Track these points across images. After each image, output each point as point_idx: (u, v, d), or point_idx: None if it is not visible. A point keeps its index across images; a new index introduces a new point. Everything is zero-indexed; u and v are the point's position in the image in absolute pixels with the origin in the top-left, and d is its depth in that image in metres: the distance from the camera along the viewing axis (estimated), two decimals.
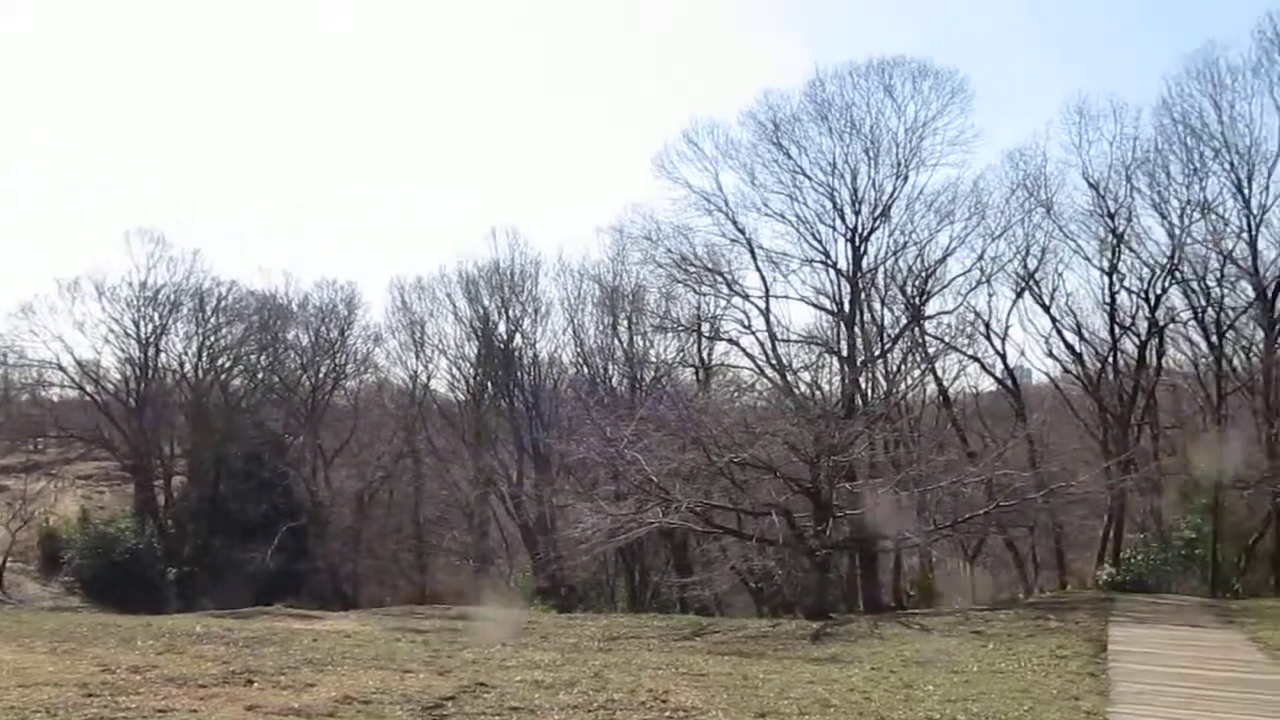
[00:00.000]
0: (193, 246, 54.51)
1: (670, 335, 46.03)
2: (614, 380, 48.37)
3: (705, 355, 46.03)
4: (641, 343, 47.37)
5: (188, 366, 53.82)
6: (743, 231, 40.40)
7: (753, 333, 41.02)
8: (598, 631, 24.10)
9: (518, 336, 50.90)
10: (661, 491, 27.40)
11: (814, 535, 27.89)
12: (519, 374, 50.53)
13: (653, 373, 46.94)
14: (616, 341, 47.88)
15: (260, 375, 55.94)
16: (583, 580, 42.53)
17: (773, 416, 33.11)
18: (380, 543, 50.56)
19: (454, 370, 53.48)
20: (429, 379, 54.42)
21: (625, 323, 47.40)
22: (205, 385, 54.05)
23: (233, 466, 51.05)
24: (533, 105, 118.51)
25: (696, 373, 46.29)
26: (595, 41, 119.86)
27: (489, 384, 51.95)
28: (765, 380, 41.39)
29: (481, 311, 50.99)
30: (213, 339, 53.91)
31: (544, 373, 51.18)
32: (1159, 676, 15.02)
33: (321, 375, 54.98)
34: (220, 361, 54.64)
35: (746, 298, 40.83)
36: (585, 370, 49.44)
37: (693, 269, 41.32)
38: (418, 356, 53.61)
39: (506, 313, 50.73)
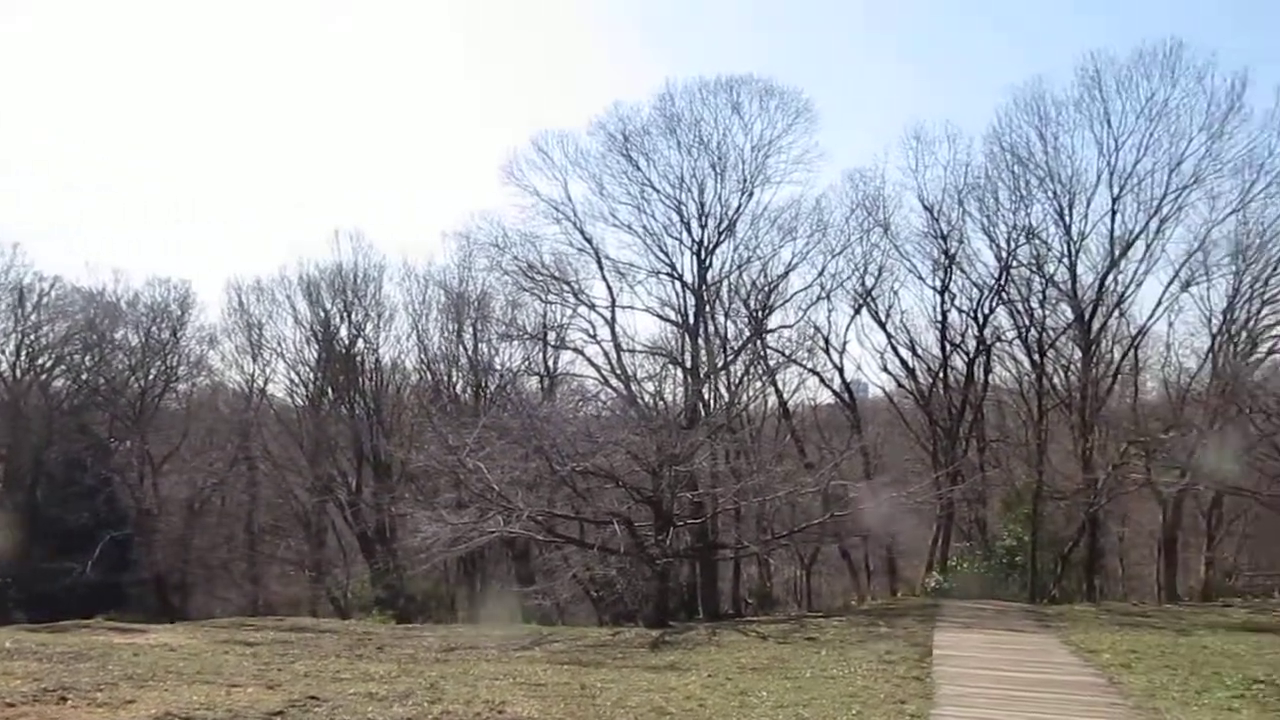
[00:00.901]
0: (11, 240, 51.65)
1: (516, 343, 45.88)
2: (458, 387, 47.92)
3: (551, 364, 46.03)
4: (487, 350, 47.09)
5: (4, 366, 50.81)
6: (590, 241, 40.59)
7: (598, 342, 41.21)
8: (436, 642, 23.76)
9: (360, 341, 49.83)
10: (503, 500, 27.20)
11: (655, 544, 28.12)
12: (360, 379, 49.40)
13: (497, 380, 46.64)
14: (461, 348, 47.43)
15: (85, 376, 53.15)
16: (422, 590, 41.87)
17: (616, 426, 33.20)
18: (211, 552, 48.65)
19: (293, 375, 51.99)
20: (266, 383, 52.80)
21: (470, 329, 46.99)
22: (24, 386, 51.09)
23: (52, 472, 48.46)
24: (380, 107, 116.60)
25: (541, 381, 46.17)
26: (444, 46, 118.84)
27: (329, 389, 50.64)
28: (610, 390, 41.50)
29: (322, 315, 49.70)
30: (33, 337, 51.05)
31: (386, 378, 50.24)
32: (979, 679, 15.64)
33: (151, 377, 52.68)
34: (41, 361, 51.76)
35: (593, 307, 41.02)
36: (429, 376, 48.77)
37: (540, 277, 41.26)
38: (255, 360, 51.96)
39: (348, 317, 49.60)
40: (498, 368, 46.76)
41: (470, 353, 46.97)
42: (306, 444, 48.56)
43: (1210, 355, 39.32)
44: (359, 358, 49.57)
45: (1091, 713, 13.22)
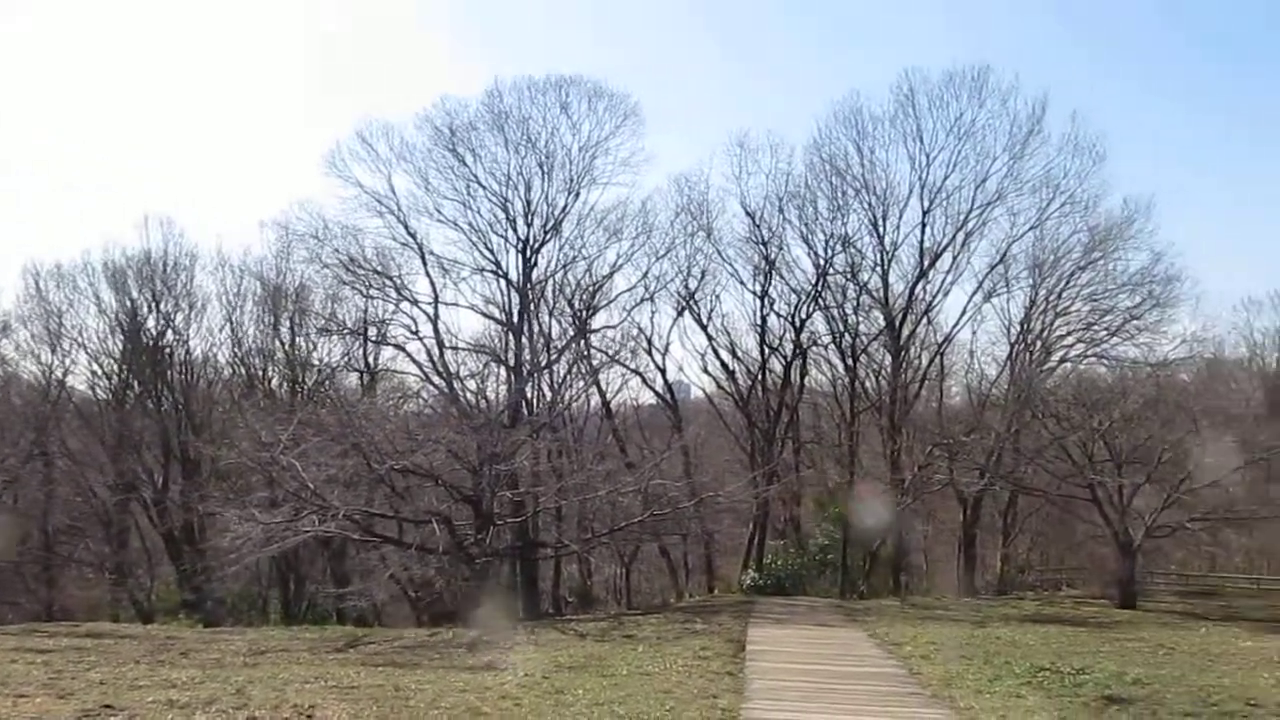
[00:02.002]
0: None
1: (335, 338, 44.67)
2: (273, 382, 46.34)
3: (371, 360, 45.08)
4: (305, 344, 45.68)
5: None
6: (414, 236, 40.04)
7: (420, 339, 40.64)
8: (244, 645, 22.93)
9: (169, 333, 47.55)
10: (319, 499, 26.48)
11: (475, 543, 27.88)
12: (169, 373, 47.17)
13: (315, 376, 45.37)
14: (277, 342, 45.88)
15: None
16: (233, 592, 40.37)
17: (437, 424, 32.83)
18: (1, 554, 45.62)
19: (95, 366, 49.18)
20: (66, 375, 49.80)
21: (288, 323, 45.54)
22: None
23: None
24: (195, 89, 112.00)
25: (361, 377, 45.18)
26: (266, 28, 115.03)
27: (135, 383, 48.15)
28: (431, 387, 41.06)
29: (129, 304, 47.19)
30: None
31: (197, 372, 48.11)
32: (790, 673, 16.11)
33: None
34: None
35: (415, 303, 40.44)
36: (243, 371, 47.01)
37: (361, 271, 40.41)
38: (54, 350, 48.88)
39: (157, 307, 47.23)
40: (316, 363, 45.50)
41: (287, 347, 45.55)
42: (109, 439, 46.08)
43: (1009, 363, 41.71)
44: (168, 350, 47.30)
45: (892, 702, 13.78)
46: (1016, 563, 46.12)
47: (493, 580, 31.15)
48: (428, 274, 40.13)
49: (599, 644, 21.30)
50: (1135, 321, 40.54)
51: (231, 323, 46.53)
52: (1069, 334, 41.71)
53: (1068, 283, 40.56)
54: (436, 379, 40.29)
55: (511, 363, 39.80)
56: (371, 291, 41.11)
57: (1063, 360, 42.12)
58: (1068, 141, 40.46)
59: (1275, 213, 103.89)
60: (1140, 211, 40.50)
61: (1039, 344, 41.36)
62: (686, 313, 43.54)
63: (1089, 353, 41.86)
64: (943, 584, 44.98)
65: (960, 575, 41.44)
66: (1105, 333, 41.06)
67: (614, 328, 43.73)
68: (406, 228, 39.83)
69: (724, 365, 44.30)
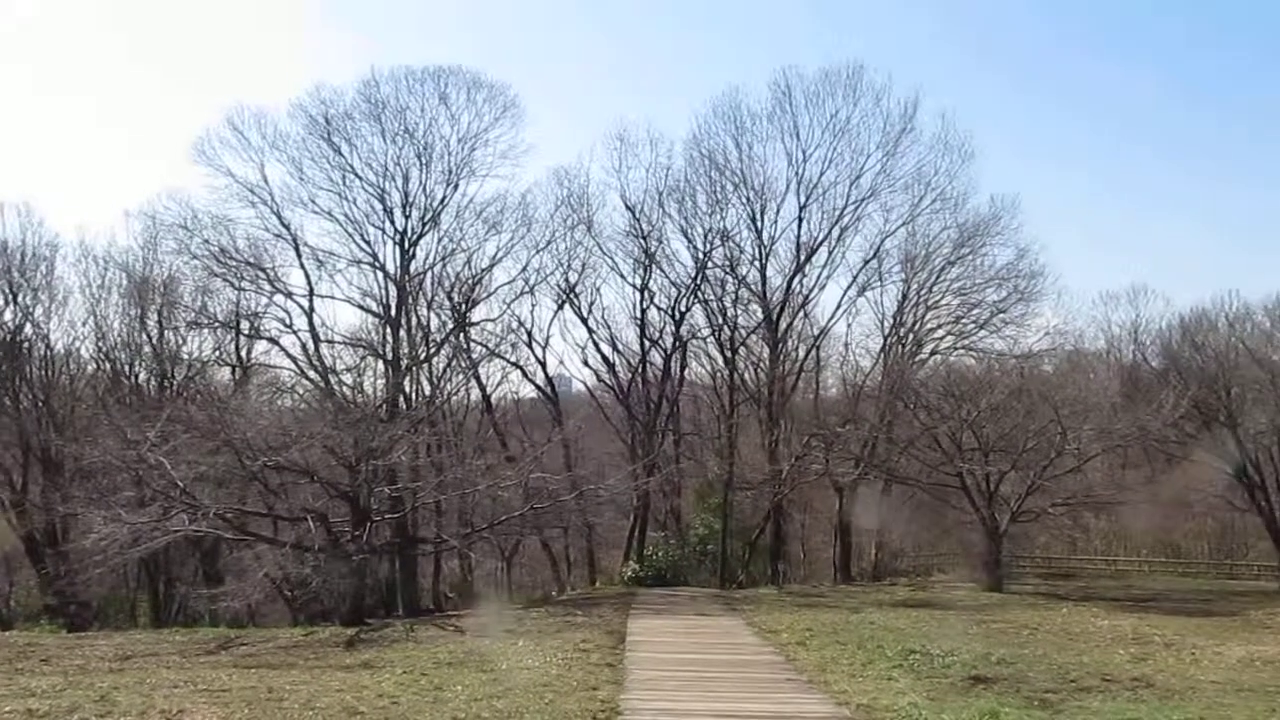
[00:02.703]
0: None
1: (206, 331, 43.27)
2: (140, 377, 44.67)
3: (244, 354, 43.82)
4: (174, 338, 44.05)
5: None
6: (288, 227, 39.08)
7: (295, 332, 39.68)
8: (110, 650, 22.16)
9: (28, 326, 45.47)
10: (188, 497, 25.73)
11: (351, 540, 27.41)
12: (28, 369, 45.15)
13: (185, 371, 43.92)
14: (145, 336, 44.14)
15: None
16: (99, 596, 38.92)
17: (312, 419, 32.15)
18: None
19: None
20: None
21: (155, 316, 43.88)
22: None
23: None
24: (50, 72, 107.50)
25: (233, 372, 43.92)
26: (128, 11, 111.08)
27: None
28: (306, 382, 40.13)
29: None
30: None
31: (58, 368, 46.12)
32: (668, 662, 16.30)
33: None
34: None
35: (290, 296, 39.48)
36: (107, 366, 45.23)
37: (233, 263, 39.21)
38: None
39: (15, 299, 45.07)
40: (185, 357, 44.00)
41: (154, 341, 43.91)
42: None
43: (882, 355, 42.78)
44: (26, 344, 45.26)
45: (768, 688, 14.05)
46: (890, 549, 47.29)
47: (371, 577, 30.70)
48: (302, 266, 39.27)
49: (479, 639, 21.21)
50: (1001, 315, 42.08)
51: (95, 316, 44.57)
52: (939, 327, 43.00)
53: (938, 277, 41.81)
54: (312, 373, 39.42)
55: (389, 356, 39.17)
56: (244, 284, 39.90)
57: (933, 352, 43.42)
58: (938, 140, 41.71)
59: (1133, 209, 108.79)
60: (1006, 209, 42.01)
61: (911, 337, 42.51)
62: (567, 306, 43.56)
63: (958, 345, 43.28)
64: (820, 572, 45.90)
65: (836, 563, 42.34)
66: (973, 326, 42.50)
67: (494, 321, 43.52)
68: (280, 219, 38.89)
69: (604, 358, 44.48)
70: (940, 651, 17.60)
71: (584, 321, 43.69)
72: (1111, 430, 36.56)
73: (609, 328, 44.50)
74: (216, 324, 42.04)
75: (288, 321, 39.66)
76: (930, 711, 12.23)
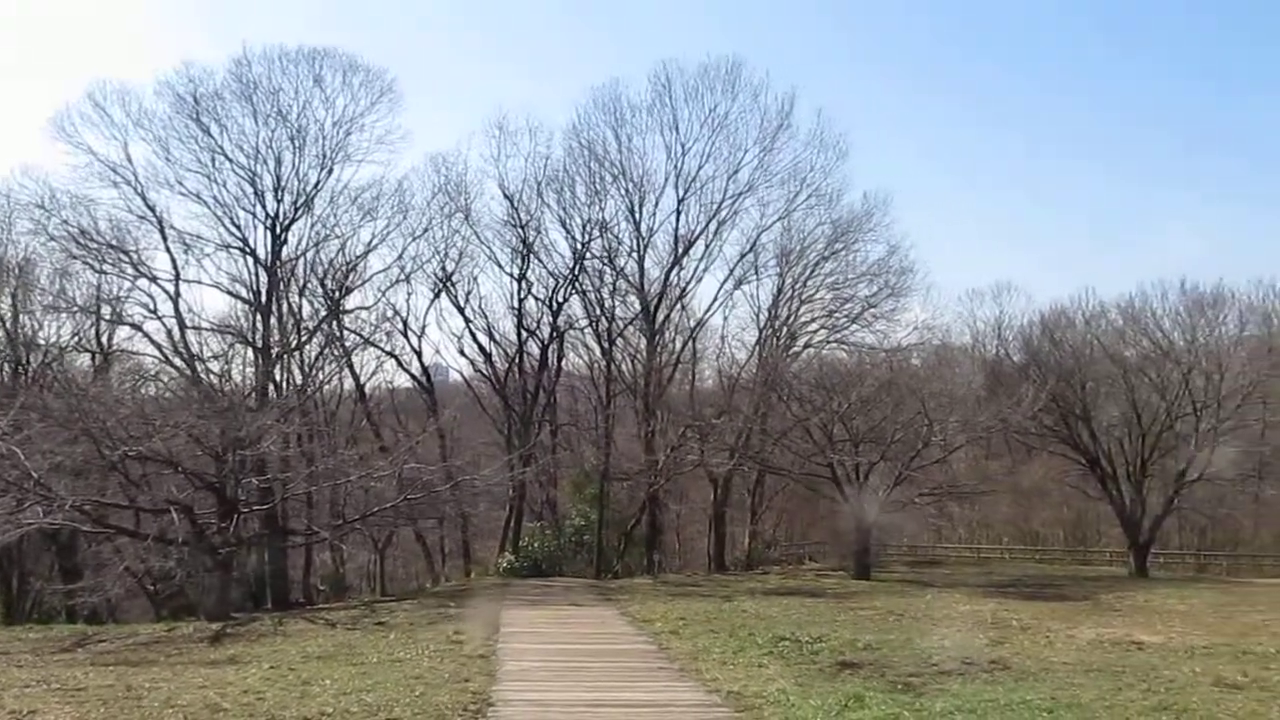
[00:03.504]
0: None
1: (64, 316, 41.46)
2: None
3: (104, 340, 42.11)
4: (29, 322, 42.15)
5: None
6: (153, 209, 37.75)
7: (160, 318, 38.33)
8: None
9: None
10: (43, 488, 24.65)
11: (217, 532, 26.69)
12: None
13: (41, 357, 42.03)
14: None
15: None
16: None
17: (177, 408, 31.16)
18: None
19: None
20: None
21: (9, 299, 41.89)
22: None
23: None
24: None
25: (93, 358, 42.18)
26: None
27: None
28: (171, 369, 38.83)
29: None
30: None
31: None
32: (542, 653, 16.30)
33: None
34: None
35: (154, 280, 38.12)
36: None
37: (94, 245, 37.64)
38: None
39: None
40: (42, 343, 42.12)
41: (8, 325, 41.93)
42: None
43: (757, 347, 43.40)
44: None
45: (641, 677, 14.17)
46: (764, 538, 48.13)
47: (238, 570, 29.95)
48: (168, 249, 37.97)
49: (350, 632, 20.90)
50: (872, 309, 43.11)
51: None
52: (813, 320, 43.84)
53: (812, 272, 42.60)
54: (177, 360, 38.15)
55: (259, 344, 38.19)
56: (105, 267, 38.32)
57: (807, 345, 44.28)
58: (814, 137, 42.46)
59: (1001, 208, 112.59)
60: (878, 206, 43.02)
61: (785, 330, 43.23)
62: (443, 294, 43.08)
63: (830, 339, 44.23)
64: (694, 561, 46.46)
65: (711, 552, 42.89)
66: (845, 320, 43.44)
67: (368, 309, 42.76)
68: (145, 200, 37.53)
69: (481, 348, 44.13)
70: (809, 638, 17.97)
71: (461, 311, 43.35)
72: (975, 422, 37.85)
73: (486, 317, 44.25)
74: (75, 308, 40.28)
75: (152, 307, 38.33)
76: (798, 697, 12.48)
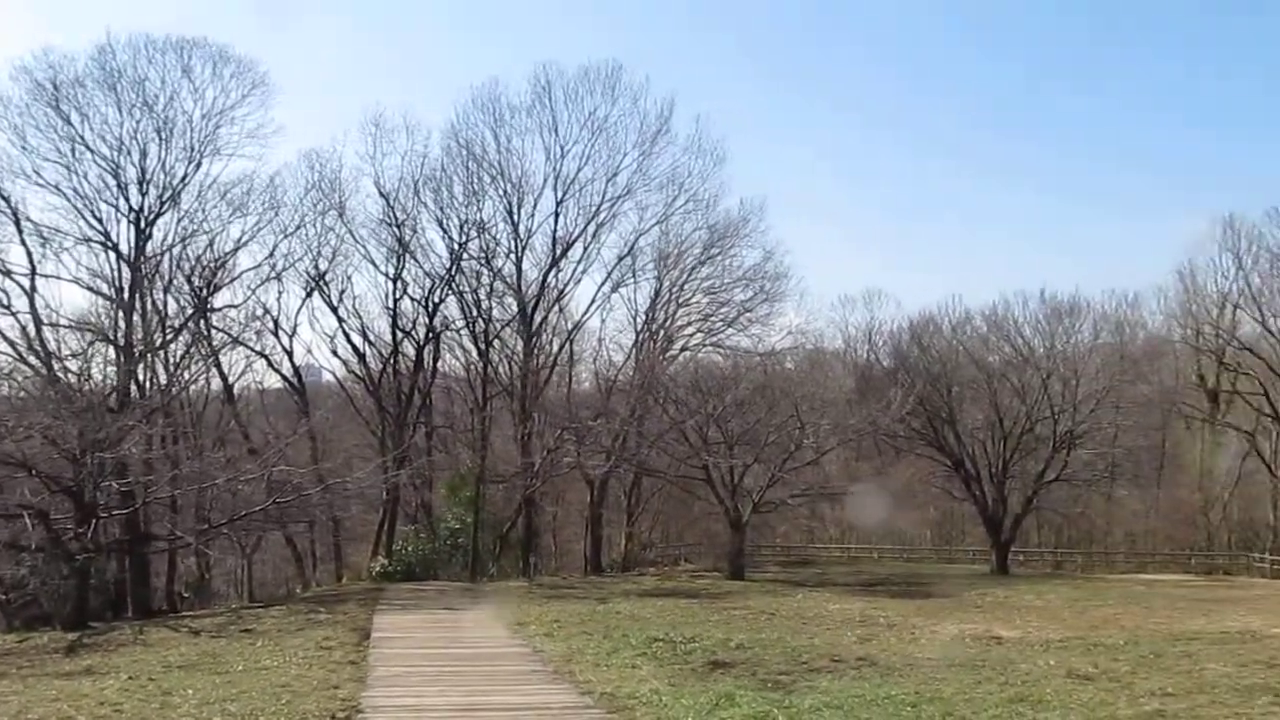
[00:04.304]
0: None
1: None
2: None
3: None
4: None
5: None
6: (7, 200, 36.00)
7: (14, 314, 36.58)
8: None
9: None
10: None
11: (74, 538, 25.66)
12: None
13: None
14: None
15: None
16: None
17: (32, 408, 29.86)
18: None
19: None
20: None
21: None
22: None
23: None
24: None
25: None
26: None
27: None
28: (26, 368, 37.11)
29: None
30: None
31: None
32: (414, 658, 16.11)
33: None
34: None
35: (8, 274, 36.32)
36: None
37: None
38: None
39: None
40: None
41: None
42: None
43: (634, 350, 43.70)
44: None
45: (514, 680, 14.13)
46: (640, 540, 48.41)
47: (96, 578, 28.83)
48: (23, 242, 36.21)
49: (214, 640, 20.31)
50: (748, 314, 43.90)
51: None
52: (689, 324, 44.40)
53: (689, 276, 43.12)
54: (33, 359, 36.46)
55: (121, 342, 36.80)
56: None
57: (683, 349, 44.79)
58: (693, 143, 43.01)
59: (875, 214, 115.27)
60: (754, 212, 43.86)
61: (662, 333, 43.64)
62: (316, 293, 42.24)
63: (707, 342, 44.87)
64: (571, 564, 46.47)
65: (587, 554, 42.96)
66: (721, 323, 44.13)
67: (237, 307, 41.55)
68: None
69: (355, 348, 43.36)
70: (683, 638, 18.17)
71: (334, 310, 42.53)
72: (846, 425, 38.80)
73: (360, 317, 43.46)
74: None
75: (5, 302, 36.52)
76: (670, 697, 12.60)
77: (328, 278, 41.90)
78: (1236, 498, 52.54)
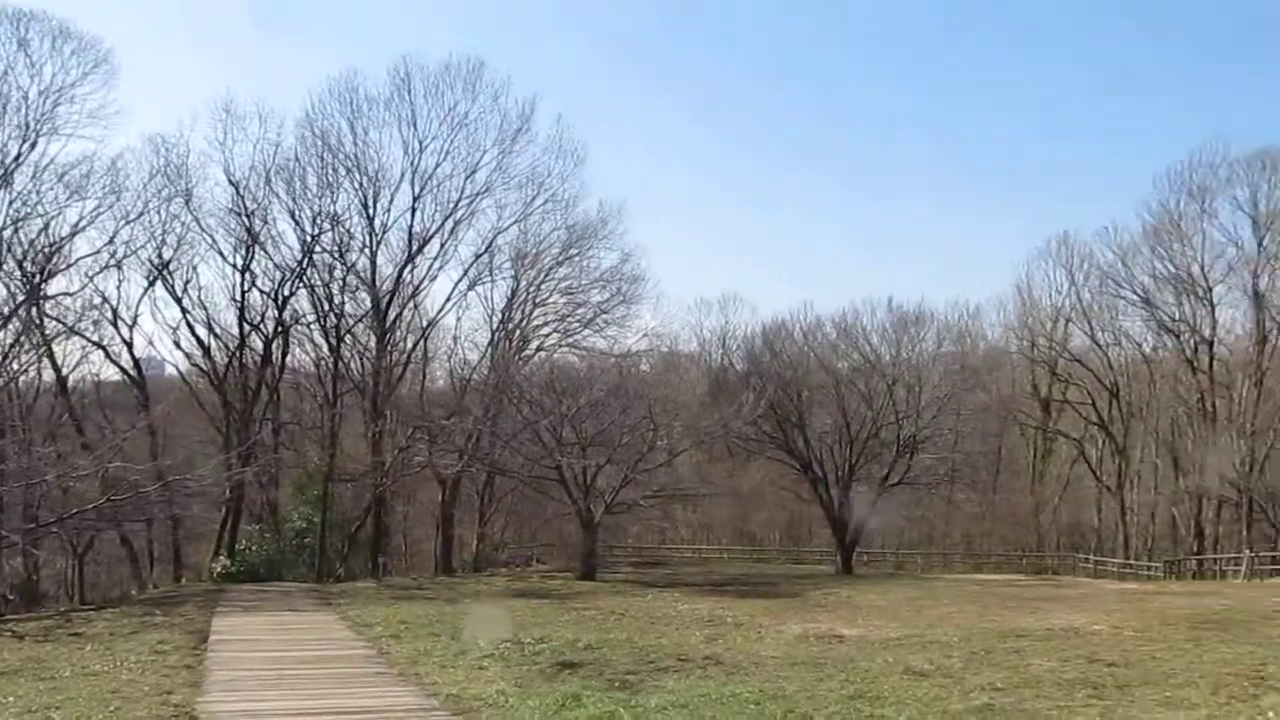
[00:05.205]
0: None
1: None
2: None
3: None
4: None
5: None
6: None
7: None
8: None
9: None
10: None
11: None
12: None
13: None
14: None
15: None
16: None
17: None
18: None
19: None
20: None
21: None
22: None
23: None
24: None
25: None
26: None
27: None
28: None
29: None
30: None
31: None
32: (254, 661, 15.66)
33: None
34: None
35: None
36: None
37: None
38: None
39: None
40: None
41: None
42: None
43: (490, 349, 43.46)
44: None
45: (357, 683, 13.87)
46: (492, 540, 48.16)
47: None
48: None
49: (40, 645, 19.36)
50: (604, 315, 44.15)
51: None
52: (546, 324, 44.39)
53: (547, 276, 43.14)
54: None
55: None
56: None
57: (539, 349, 44.74)
58: (553, 142, 43.07)
59: (732, 220, 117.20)
60: (613, 214, 44.11)
61: (518, 332, 43.51)
62: (159, 283, 40.67)
63: (563, 342, 44.93)
64: (422, 564, 45.94)
65: (438, 554, 42.52)
66: (578, 324, 44.27)
67: (73, 295, 39.62)
68: None
69: (199, 341, 41.89)
70: (532, 639, 18.13)
71: (178, 301, 41.02)
72: (699, 427, 39.36)
73: (206, 309, 41.97)
74: None
75: None
76: (517, 698, 12.57)
77: (172, 267, 40.45)
78: (1065, 502, 55.46)
